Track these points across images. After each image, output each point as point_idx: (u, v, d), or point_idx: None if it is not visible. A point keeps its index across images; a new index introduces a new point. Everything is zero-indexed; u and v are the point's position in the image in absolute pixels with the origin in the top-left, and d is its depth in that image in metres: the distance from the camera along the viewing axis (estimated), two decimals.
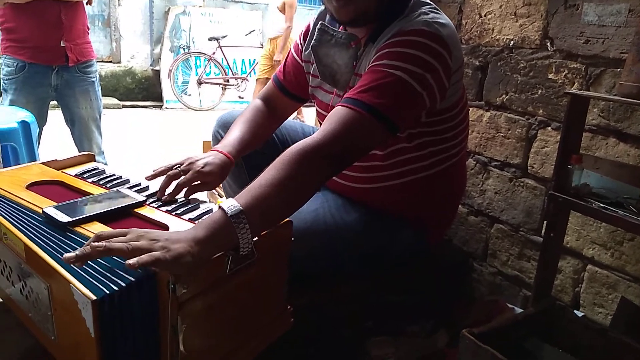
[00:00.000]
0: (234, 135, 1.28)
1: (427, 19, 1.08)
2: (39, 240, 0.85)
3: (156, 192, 1.10)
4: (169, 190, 1.10)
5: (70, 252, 0.75)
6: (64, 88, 2.31)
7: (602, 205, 1.14)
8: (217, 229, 0.81)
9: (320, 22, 1.26)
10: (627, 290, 1.32)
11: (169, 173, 1.13)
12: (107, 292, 0.72)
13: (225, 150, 1.21)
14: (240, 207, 0.83)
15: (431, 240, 1.35)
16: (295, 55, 1.39)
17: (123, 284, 0.73)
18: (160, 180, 1.13)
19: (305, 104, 1.51)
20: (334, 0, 1.11)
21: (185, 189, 1.11)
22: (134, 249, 0.74)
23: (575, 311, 1.31)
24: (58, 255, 0.80)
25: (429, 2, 1.17)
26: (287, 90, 1.41)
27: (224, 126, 1.45)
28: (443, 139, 1.22)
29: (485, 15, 1.61)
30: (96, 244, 0.74)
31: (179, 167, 1.15)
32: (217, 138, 1.46)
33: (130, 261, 0.71)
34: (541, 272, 1.32)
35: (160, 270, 0.75)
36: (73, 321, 0.75)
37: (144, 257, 0.72)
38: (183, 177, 1.12)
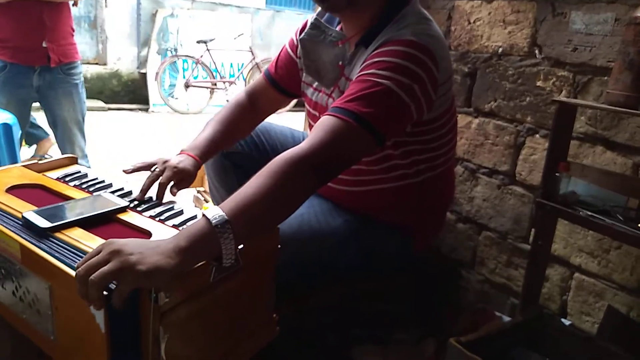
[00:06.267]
0: (203, 136, 1.29)
1: (416, 29, 1.08)
2: (34, 242, 0.84)
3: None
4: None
5: (61, 253, 0.80)
6: (46, 89, 2.27)
7: (590, 213, 1.14)
8: (200, 238, 0.79)
9: (315, 18, 1.25)
10: (613, 298, 1.32)
11: (150, 176, 1.13)
12: (114, 287, 0.71)
13: (193, 152, 1.22)
14: (225, 216, 0.81)
15: (417, 247, 1.34)
16: (290, 50, 1.38)
17: None
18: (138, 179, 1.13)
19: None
20: None
21: (169, 187, 1.13)
22: (103, 277, 0.70)
23: (562, 319, 1.31)
24: (55, 254, 0.81)
25: (422, 11, 1.16)
26: (278, 84, 1.40)
27: None
28: (428, 148, 1.22)
29: (474, 22, 1.61)
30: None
31: (156, 168, 1.16)
32: None
33: (93, 309, 0.70)
34: (529, 280, 1.32)
35: (137, 287, 0.73)
36: (79, 319, 0.76)
37: (115, 296, 0.71)
38: (162, 176, 1.13)
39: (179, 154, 1.22)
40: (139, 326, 0.76)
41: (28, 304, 0.87)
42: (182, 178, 1.16)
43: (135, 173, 1.18)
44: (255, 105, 1.41)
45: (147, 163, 1.18)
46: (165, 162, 1.17)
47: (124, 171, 1.15)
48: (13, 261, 0.86)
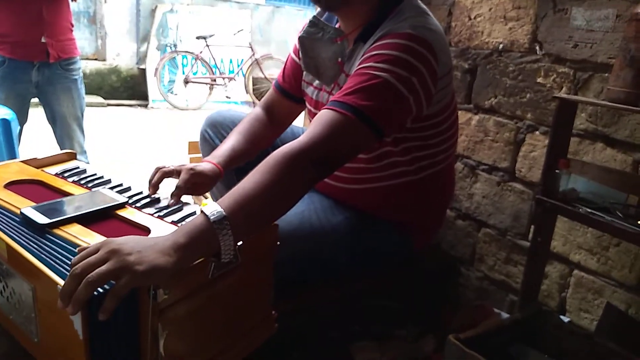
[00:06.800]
0: (226, 146, 1.27)
1: (414, 23, 1.07)
2: (21, 241, 0.83)
3: (138, 192, 1.08)
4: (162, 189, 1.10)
5: (52, 253, 0.77)
6: (45, 85, 2.26)
7: (589, 210, 1.14)
8: (199, 234, 0.78)
9: (313, 16, 1.25)
10: (612, 295, 1.32)
11: (162, 170, 1.12)
12: (96, 293, 0.69)
13: (215, 160, 1.21)
14: (223, 212, 0.80)
15: (417, 245, 1.34)
16: (294, 55, 1.38)
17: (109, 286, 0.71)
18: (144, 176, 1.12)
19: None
20: None
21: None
22: (100, 277, 0.69)
23: (561, 316, 1.31)
24: (42, 256, 0.78)
25: (421, 6, 1.16)
26: (288, 92, 1.40)
27: (213, 125, 1.44)
28: (428, 145, 1.21)
29: (474, 18, 1.61)
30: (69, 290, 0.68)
31: (170, 166, 1.14)
32: (205, 137, 1.45)
33: (100, 315, 0.68)
34: (528, 277, 1.32)
35: (136, 286, 0.72)
36: (59, 323, 0.74)
37: (111, 296, 0.69)
38: (180, 179, 1.12)
39: (202, 161, 1.21)
40: (121, 333, 0.74)
41: (14, 305, 0.86)
42: (199, 182, 1.14)
43: (144, 175, 1.16)
44: (272, 118, 1.40)
45: (159, 167, 1.14)
46: (183, 164, 1.16)
47: (150, 194, 1.08)
48: (0, 261, 0.85)
